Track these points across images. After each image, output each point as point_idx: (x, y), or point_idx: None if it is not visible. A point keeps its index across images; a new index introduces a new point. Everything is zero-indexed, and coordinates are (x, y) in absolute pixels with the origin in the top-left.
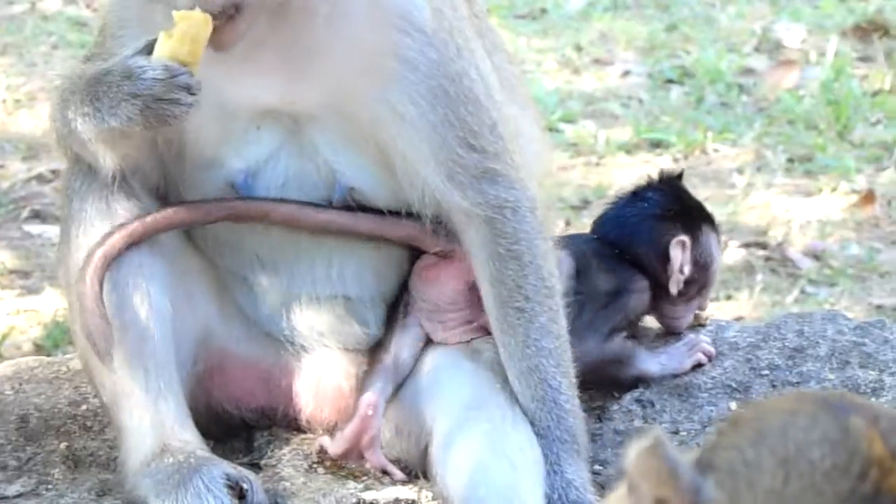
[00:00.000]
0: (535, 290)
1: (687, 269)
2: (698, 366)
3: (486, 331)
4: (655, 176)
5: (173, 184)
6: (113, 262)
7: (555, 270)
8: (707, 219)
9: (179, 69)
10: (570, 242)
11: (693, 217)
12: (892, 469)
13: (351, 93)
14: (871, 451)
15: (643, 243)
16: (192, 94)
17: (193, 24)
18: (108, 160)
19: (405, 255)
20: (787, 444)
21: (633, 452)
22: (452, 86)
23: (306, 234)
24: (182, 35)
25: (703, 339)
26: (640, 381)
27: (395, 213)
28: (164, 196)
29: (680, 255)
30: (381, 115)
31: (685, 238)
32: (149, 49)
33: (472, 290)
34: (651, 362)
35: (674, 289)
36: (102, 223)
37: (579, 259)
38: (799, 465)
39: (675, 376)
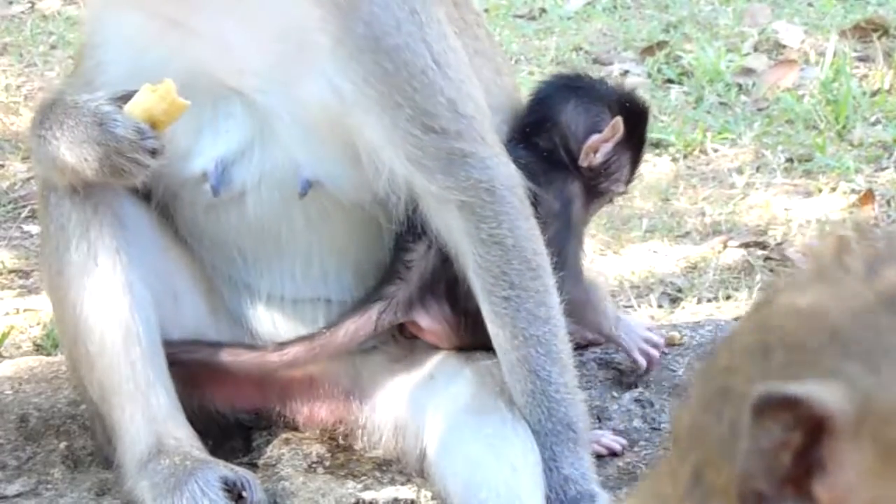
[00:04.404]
0: (520, 274)
1: (606, 147)
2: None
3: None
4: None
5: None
6: (88, 249)
7: (540, 249)
8: (641, 145)
9: (149, 132)
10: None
11: (639, 129)
12: None
13: (290, 66)
14: None
15: (580, 106)
16: (155, 158)
17: (174, 90)
18: (59, 182)
19: (390, 255)
20: None
21: None
22: (389, 61)
23: (284, 231)
24: (165, 93)
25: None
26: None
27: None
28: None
29: (610, 133)
30: (323, 94)
31: (623, 128)
32: (126, 97)
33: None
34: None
35: (584, 162)
36: (80, 221)
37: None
38: None
39: (672, 372)
